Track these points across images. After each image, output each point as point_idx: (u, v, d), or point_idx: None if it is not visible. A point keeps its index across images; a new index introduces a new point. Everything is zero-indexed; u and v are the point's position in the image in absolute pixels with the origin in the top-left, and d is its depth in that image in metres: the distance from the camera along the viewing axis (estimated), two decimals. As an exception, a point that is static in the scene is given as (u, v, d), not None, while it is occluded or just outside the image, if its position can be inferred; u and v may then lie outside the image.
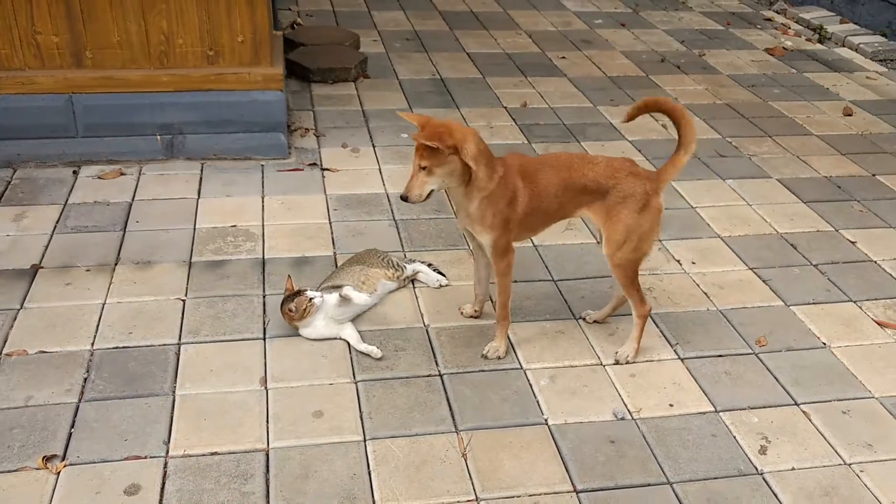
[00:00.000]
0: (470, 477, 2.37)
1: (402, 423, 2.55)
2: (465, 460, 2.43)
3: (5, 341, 2.79)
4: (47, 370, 2.68)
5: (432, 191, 2.54)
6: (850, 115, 5.10)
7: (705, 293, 3.28)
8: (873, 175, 4.33)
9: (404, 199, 2.54)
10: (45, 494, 2.23)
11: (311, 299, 2.79)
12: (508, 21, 6.59)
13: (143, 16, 3.77)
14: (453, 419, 2.58)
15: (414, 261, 3.25)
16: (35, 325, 2.87)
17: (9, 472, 2.29)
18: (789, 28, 6.77)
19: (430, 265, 3.25)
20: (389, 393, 2.67)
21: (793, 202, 4.01)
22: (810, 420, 2.66)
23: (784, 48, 6.25)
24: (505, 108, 4.93)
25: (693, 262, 3.48)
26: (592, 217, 2.78)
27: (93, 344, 2.80)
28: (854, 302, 3.28)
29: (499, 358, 2.83)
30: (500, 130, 4.62)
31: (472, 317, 3.03)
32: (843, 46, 6.37)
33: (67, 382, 2.63)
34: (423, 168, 2.49)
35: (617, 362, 2.86)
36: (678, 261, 3.49)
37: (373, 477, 2.35)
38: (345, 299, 2.85)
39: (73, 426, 2.46)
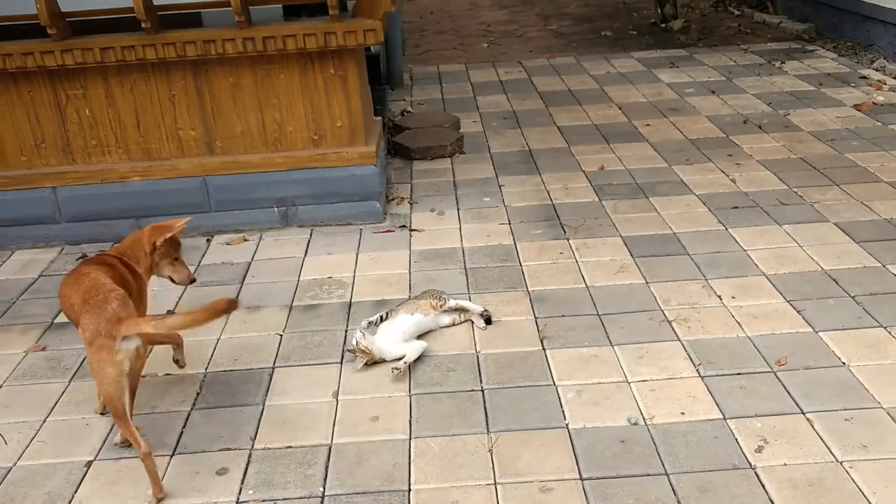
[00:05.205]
0: (492, 467, 2.82)
1: (442, 426, 3.04)
2: (491, 454, 2.88)
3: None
4: (170, 387, 3.38)
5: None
6: (927, 161, 5.22)
7: (738, 322, 3.59)
8: (937, 215, 4.47)
9: None
10: (160, 473, 2.87)
11: (358, 343, 3.38)
12: (602, 96, 7.12)
13: (261, 110, 4.60)
14: (487, 423, 3.04)
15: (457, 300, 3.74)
16: (164, 355, 3.58)
17: (135, 457, 2.95)
18: (884, 84, 6.89)
19: (483, 312, 3.71)
20: (436, 403, 3.17)
21: (844, 242, 4.23)
22: (812, 426, 2.93)
23: (874, 103, 6.40)
24: (583, 171, 5.42)
25: (733, 297, 3.79)
26: None
27: (206, 368, 3.49)
28: (884, 328, 3.48)
29: None
30: (575, 191, 5.10)
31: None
32: (939, 98, 6.44)
33: (184, 396, 3.31)
34: None
35: None
36: (719, 296, 3.81)
37: (412, 466, 2.85)
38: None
39: (184, 427, 3.13)
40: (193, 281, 3.34)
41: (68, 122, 4.57)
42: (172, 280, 3.28)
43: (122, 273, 3.05)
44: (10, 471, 2.95)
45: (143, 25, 4.24)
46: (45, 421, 3.21)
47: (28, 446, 3.07)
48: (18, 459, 3.00)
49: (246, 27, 4.32)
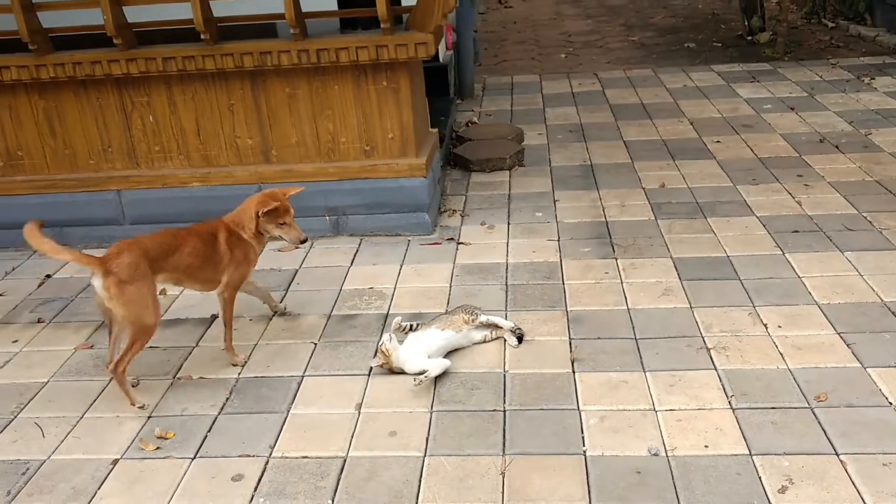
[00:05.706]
0: (502, 490, 2.78)
1: (458, 445, 3.01)
2: (503, 477, 2.84)
3: (180, 368, 3.63)
4: (202, 391, 3.46)
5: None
6: None
7: (781, 354, 3.43)
8: None
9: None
10: (179, 475, 2.95)
11: (383, 343, 3.42)
12: (675, 110, 6.95)
13: (315, 121, 4.67)
14: (503, 445, 3.00)
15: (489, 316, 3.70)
16: (202, 359, 3.69)
17: (158, 458, 3.05)
18: (980, 103, 6.49)
19: (516, 329, 3.67)
20: (456, 421, 3.14)
21: (910, 273, 4.01)
22: (845, 468, 2.77)
23: (966, 123, 6.04)
24: (643, 188, 5.30)
25: (779, 326, 3.63)
26: None
27: (239, 374, 3.56)
28: (941, 367, 3.28)
29: None
30: (631, 208, 4.99)
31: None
32: None
33: (214, 400, 3.39)
34: None
35: None
36: (765, 324, 3.66)
37: (422, 484, 2.83)
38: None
39: (209, 430, 3.20)
40: (305, 241, 3.67)
41: (133, 129, 4.75)
42: (284, 240, 3.72)
43: (211, 239, 3.54)
44: (43, 463, 3.08)
45: (202, 37, 4.38)
46: (81, 417, 3.34)
47: (63, 441, 3.20)
48: (52, 453, 3.13)
49: (301, 39, 4.40)
